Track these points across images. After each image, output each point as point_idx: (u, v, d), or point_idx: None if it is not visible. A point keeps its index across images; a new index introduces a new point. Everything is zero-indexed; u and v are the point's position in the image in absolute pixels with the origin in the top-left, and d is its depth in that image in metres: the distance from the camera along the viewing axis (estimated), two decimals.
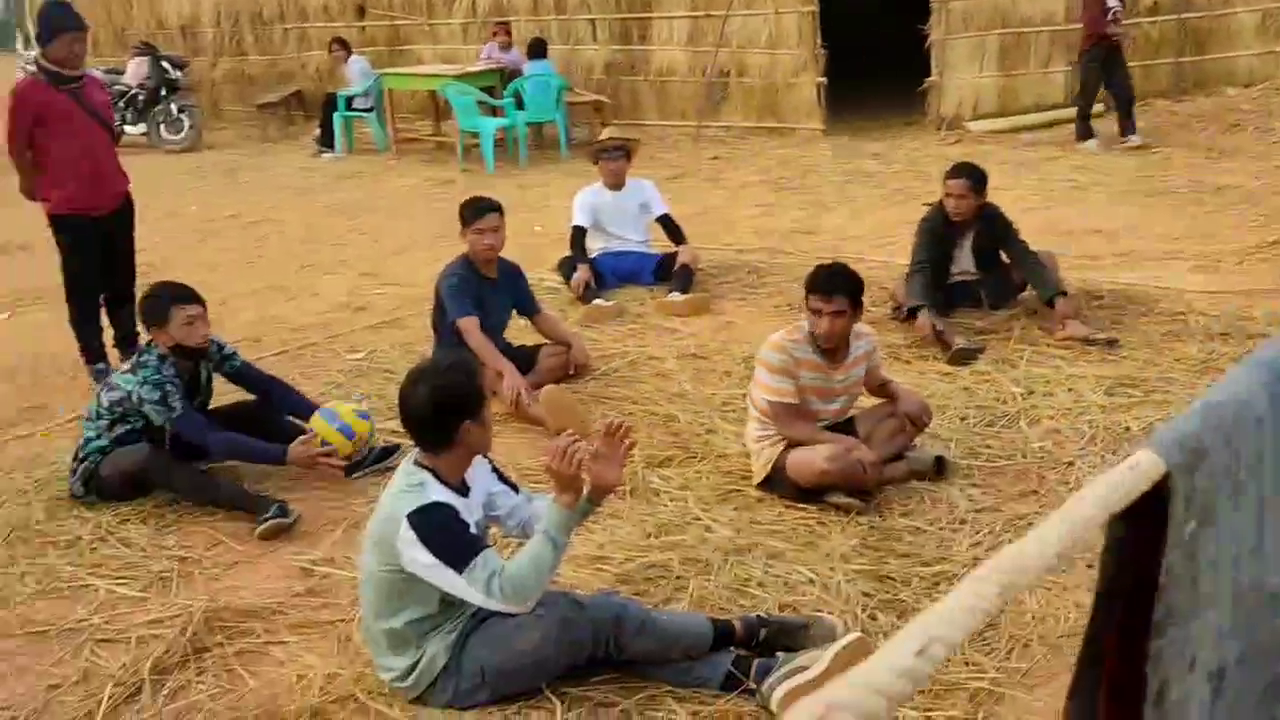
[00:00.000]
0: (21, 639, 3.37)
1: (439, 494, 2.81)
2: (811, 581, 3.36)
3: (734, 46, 12.39)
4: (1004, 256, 5.75)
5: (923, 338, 5.29)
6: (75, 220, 5.29)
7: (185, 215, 9.83)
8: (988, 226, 5.67)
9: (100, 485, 4.15)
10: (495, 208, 5.13)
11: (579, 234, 6.63)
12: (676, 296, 6.25)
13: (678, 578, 3.44)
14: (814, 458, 3.74)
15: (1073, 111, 11.28)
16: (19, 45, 21.45)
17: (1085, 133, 10.05)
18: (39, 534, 4.00)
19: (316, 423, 4.26)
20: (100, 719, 2.94)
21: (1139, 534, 0.62)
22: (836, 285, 3.82)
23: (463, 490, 2.92)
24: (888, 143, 11.38)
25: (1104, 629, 0.65)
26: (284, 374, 5.50)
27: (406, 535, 2.71)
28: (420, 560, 2.71)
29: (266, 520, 3.88)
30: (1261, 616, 0.68)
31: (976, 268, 5.76)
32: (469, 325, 4.96)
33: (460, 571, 2.69)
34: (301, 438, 4.18)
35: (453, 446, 2.86)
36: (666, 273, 6.58)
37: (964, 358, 5.11)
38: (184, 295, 4.24)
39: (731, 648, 2.95)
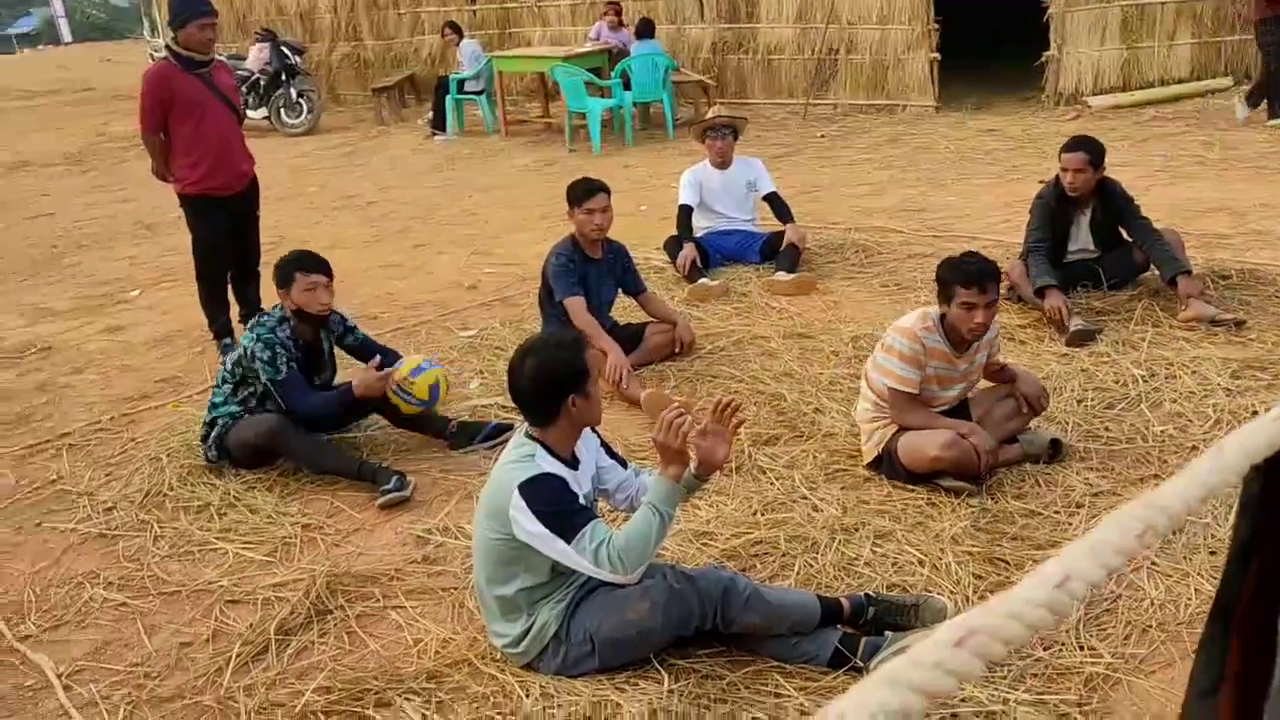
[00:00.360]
0: (156, 598, 3.56)
1: (549, 465, 2.87)
2: (920, 562, 3.33)
3: (844, 23, 12.21)
4: (1124, 234, 5.56)
5: (1050, 320, 5.15)
6: (205, 200, 5.52)
7: (305, 196, 10.15)
8: (1106, 203, 5.49)
9: (229, 452, 4.35)
10: (604, 188, 5.18)
11: (685, 213, 6.64)
12: (783, 275, 6.22)
13: (784, 555, 3.45)
14: (927, 444, 3.69)
15: (1199, 85, 10.83)
16: (146, 32, 22.39)
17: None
18: (172, 499, 4.21)
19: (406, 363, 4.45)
20: (229, 676, 3.09)
21: (1275, 494, 0.61)
22: (989, 275, 3.71)
23: (572, 463, 2.98)
24: (1003, 119, 11.08)
25: (1234, 599, 0.64)
26: (401, 350, 5.68)
27: (518, 504, 2.78)
28: (530, 529, 2.77)
29: (387, 492, 4.01)
30: None
31: (1095, 245, 5.59)
32: (575, 305, 5.03)
33: (569, 541, 2.74)
34: (365, 365, 4.39)
35: (559, 420, 2.91)
36: (773, 251, 6.55)
37: (1082, 339, 4.97)
38: (309, 263, 4.43)
39: (839, 625, 2.95)
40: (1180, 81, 11.01)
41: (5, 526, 4.13)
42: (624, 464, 3.24)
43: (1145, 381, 4.51)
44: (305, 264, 4.40)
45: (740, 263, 6.71)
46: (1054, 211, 5.47)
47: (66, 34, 36.71)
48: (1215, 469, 0.55)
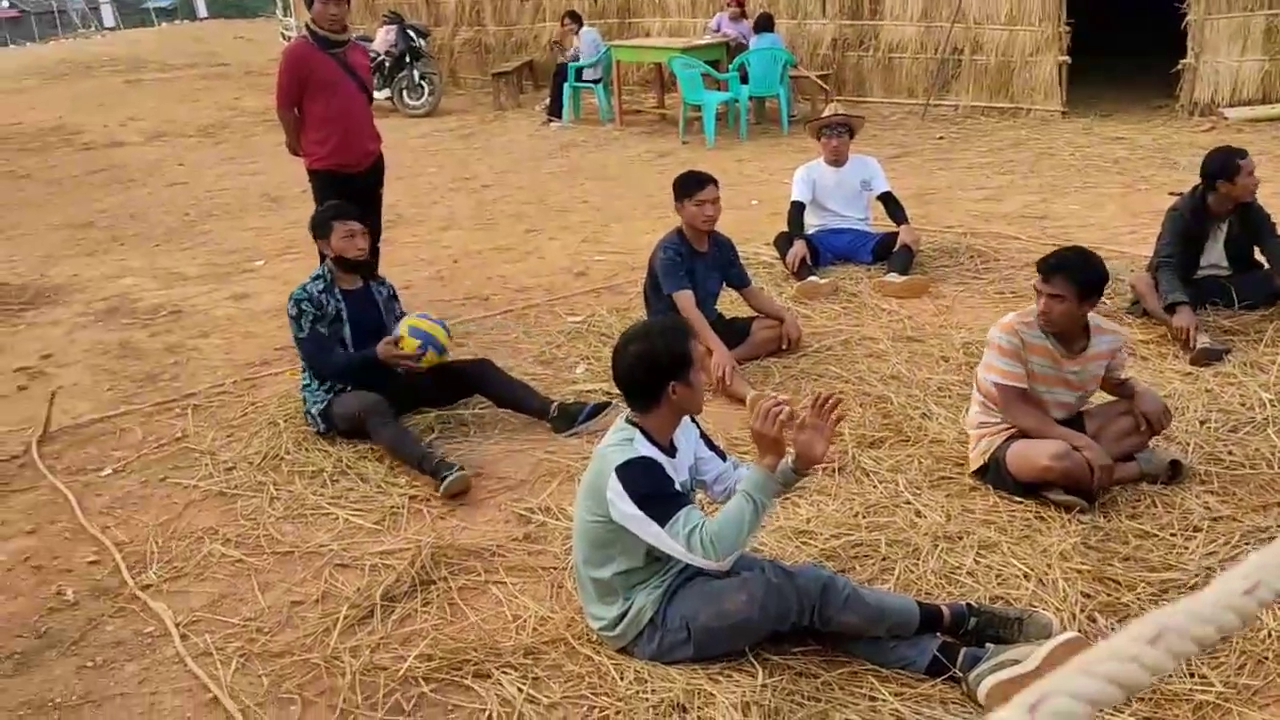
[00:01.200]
0: (270, 557, 3.70)
1: (646, 450, 2.90)
2: (1026, 576, 3.26)
3: (970, 22, 11.95)
4: (1259, 255, 5.35)
5: (1176, 337, 4.99)
6: (332, 176, 5.69)
7: (424, 176, 10.38)
8: (1244, 219, 5.28)
9: (332, 424, 4.50)
10: (713, 179, 5.20)
11: (797, 210, 6.60)
12: (894, 277, 6.14)
13: (884, 559, 3.42)
14: (1038, 453, 3.61)
15: None
16: (279, 11, 23.12)
17: None
18: (288, 463, 4.37)
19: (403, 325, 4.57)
20: (336, 636, 3.20)
21: None
22: (1057, 267, 3.65)
23: (670, 451, 3.00)
24: (1133, 127, 10.71)
25: None
26: (508, 332, 5.80)
27: (615, 487, 2.82)
28: (626, 511, 2.80)
29: (447, 478, 3.99)
30: None
31: (1228, 264, 5.39)
32: (684, 299, 5.06)
33: (663, 525, 2.77)
34: (388, 338, 4.50)
35: (660, 406, 2.94)
36: (885, 252, 6.46)
37: (1208, 358, 4.80)
38: (345, 212, 4.65)
39: (938, 633, 2.92)
40: None
41: (133, 480, 4.34)
42: (723, 456, 3.26)
43: (1273, 406, 4.33)
44: (341, 213, 4.63)
45: (851, 262, 6.64)
46: (1188, 225, 5.29)
47: (203, 9, 38.18)
48: None
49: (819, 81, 12.57)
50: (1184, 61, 10.93)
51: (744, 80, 11.50)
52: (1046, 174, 9.02)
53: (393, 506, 3.98)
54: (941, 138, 10.99)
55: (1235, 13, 10.64)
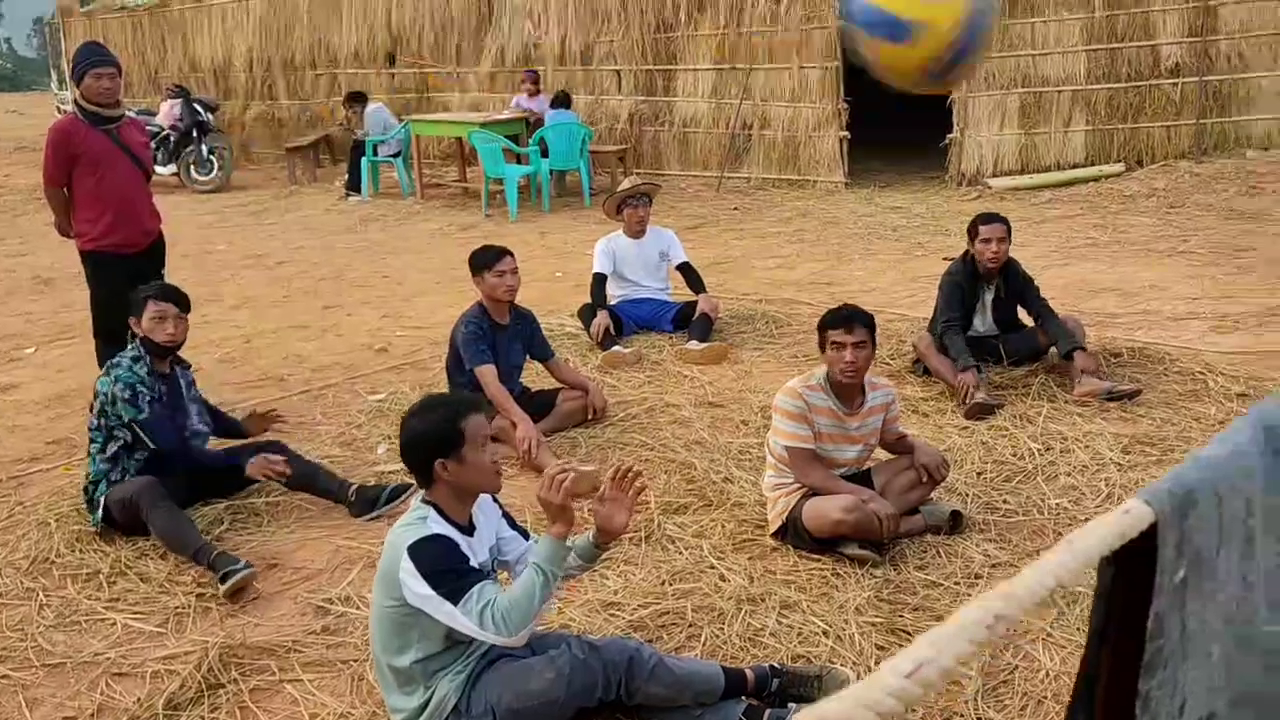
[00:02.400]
0: (39, 670, 3.40)
1: (440, 528, 2.82)
2: (825, 633, 3.36)
3: (757, 100, 12.56)
4: (1023, 315, 5.78)
5: (959, 393, 5.28)
6: (106, 257, 5.39)
7: (214, 254, 9.98)
8: (1009, 281, 5.70)
9: (110, 517, 4.20)
10: (510, 252, 5.24)
11: (599, 281, 6.71)
12: (695, 345, 6.30)
13: (690, 625, 3.45)
14: (830, 507, 3.75)
15: (1093, 170, 11.36)
16: (53, 85, 21.95)
17: None
18: (59, 566, 4.03)
19: None
20: None
21: (1132, 579, 0.65)
22: (853, 316, 3.89)
23: (468, 529, 2.94)
24: (909, 197, 11.46)
25: (1096, 671, 0.68)
26: (306, 414, 5.60)
27: (407, 567, 2.73)
28: (419, 592, 2.72)
29: (230, 578, 3.76)
30: (1253, 665, 0.70)
31: (996, 324, 5.79)
32: (486, 374, 5.03)
33: (456, 603, 2.69)
34: (263, 454, 4.32)
35: (438, 485, 2.89)
36: (685, 321, 6.64)
37: (981, 412, 5.12)
38: (162, 293, 4.45)
39: (743, 697, 2.95)
40: (1075, 166, 11.54)
41: None
42: (526, 535, 3.22)
43: (1041, 455, 4.65)
44: (159, 293, 4.43)
45: (653, 331, 6.78)
46: (964, 289, 5.65)
47: None
48: (1064, 562, 0.58)
49: (618, 155, 12.91)
50: (951, 136, 11.81)
51: (544, 154, 11.67)
52: (832, 242, 9.51)
53: (177, 607, 3.73)
54: (736, 208, 11.44)
55: (994, 91, 11.61)
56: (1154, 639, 0.61)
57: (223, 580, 3.76)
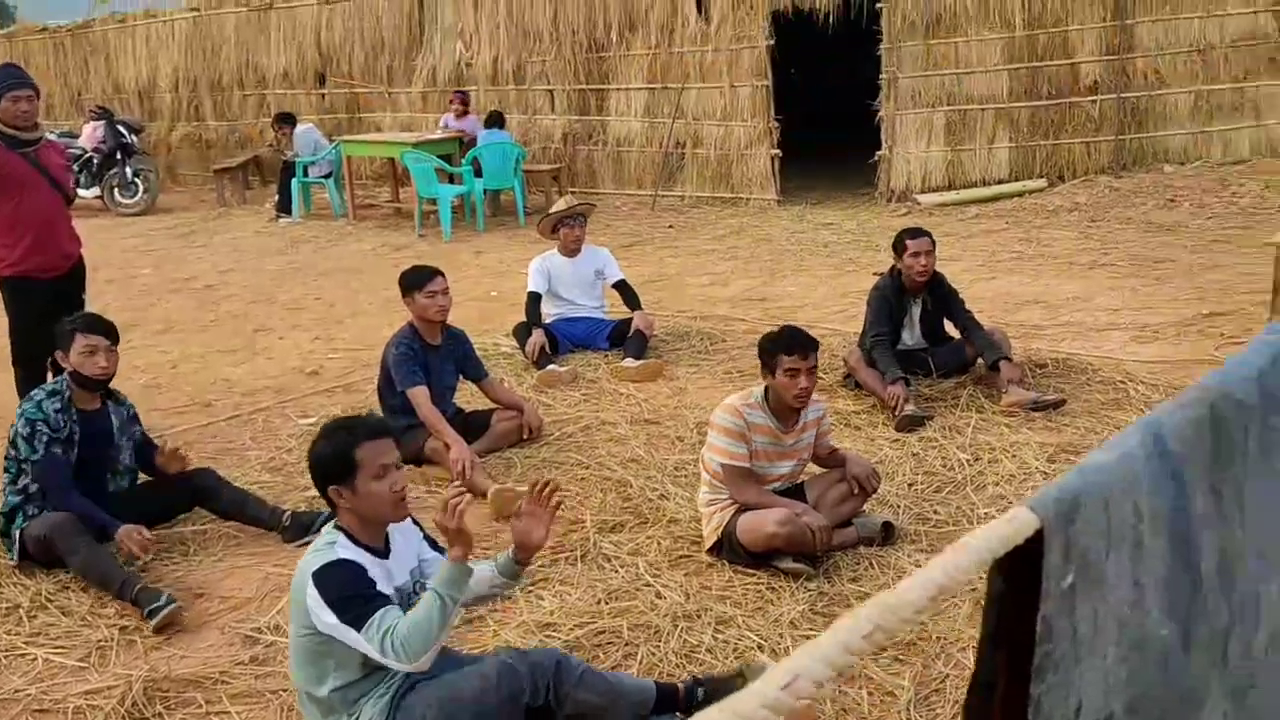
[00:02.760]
0: None
1: (347, 552, 2.77)
2: (760, 647, 3.37)
3: (690, 118, 12.65)
4: (950, 329, 5.89)
5: (890, 406, 5.34)
6: (25, 282, 5.25)
7: (139, 278, 9.77)
8: (935, 294, 5.80)
9: (28, 552, 4.08)
10: (440, 272, 5.21)
11: (534, 300, 6.69)
12: (630, 362, 6.31)
13: (627, 644, 3.44)
14: (764, 521, 3.78)
15: (1017, 186, 11.62)
16: None
17: None
18: None
19: None
20: None
21: (1022, 585, 0.66)
22: (810, 343, 3.94)
23: (383, 552, 2.89)
24: (840, 213, 11.61)
25: (991, 677, 0.69)
26: (235, 440, 5.50)
27: (313, 594, 2.69)
28: (326, 620, 2.68)
29: (155, 614, 3.68)
30: (1149, 666, 0.72)
31: (924, 337, 5.89)
32: (419, 395, 4.99)
33: (359, 629, 2.65)
34: (134, 529, 4.02)
35: (339, 510, 2.85)
36: (621, 338, 6.65)
37: (911, 424, 5.20)
38: (91, 325, 4.29)
39: (676, 711, 2.95)
40: (1000, 182, 11.79)
41: None
42: (444, 552, 3.15)
43: (970, 465, 4.73)
44: (87, 325, 4.28)
45: (589, 349, 6.77)
46: (892, 304, 5.74)
47: None
48: (946, 570, 0.59)
49: (552, 174, 12.92)
50: (880, 153, 12.00)
51: (478, 174, 11.63)
52: (765, 259, 9.60)
53: (100, 640, 3.63)
54: (670, 226, 11.50)
55: (920, 109, 11.83)
56: (1043, 643, 0.63)
57: (149, 617, 3.68)
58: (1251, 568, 0.90)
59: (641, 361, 6.33)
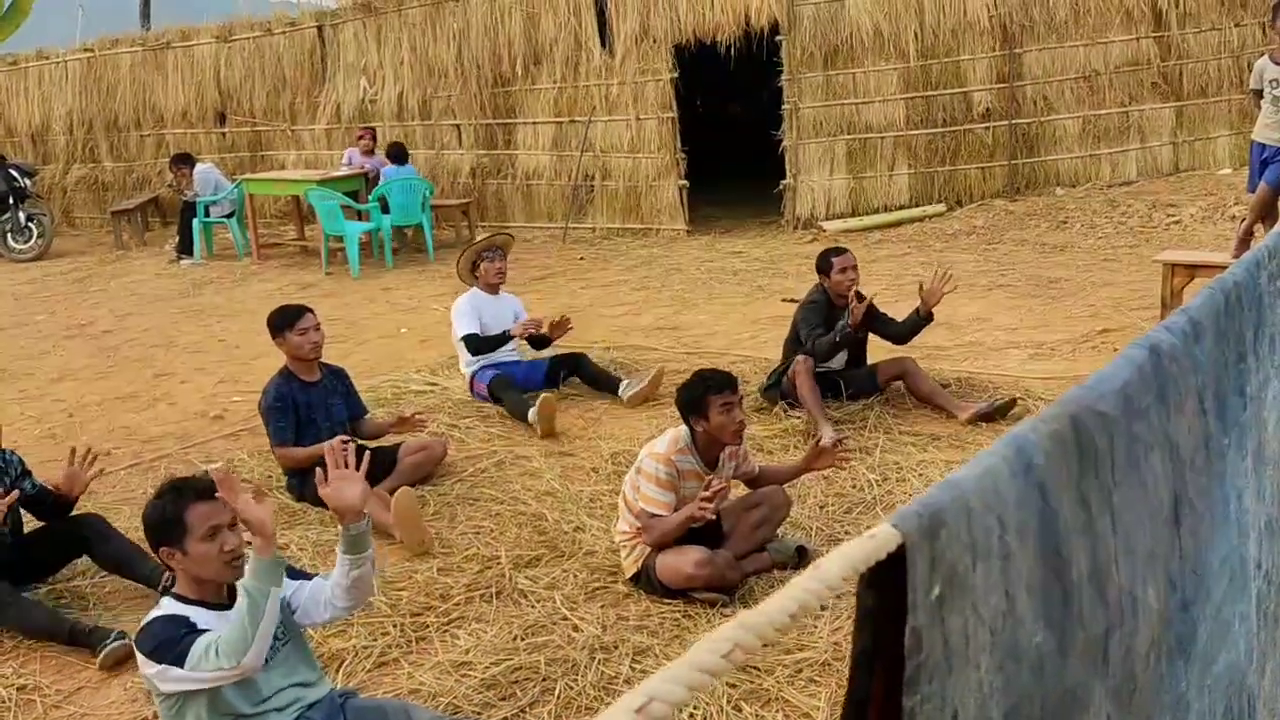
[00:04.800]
0: None
1: (173, 609, 2.73)
2: None
3: (598, 151, 12.74)
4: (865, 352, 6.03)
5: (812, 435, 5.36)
6: None
7: (32, 325, 9.44)
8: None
9: None
10: (309, 308, 5.15)
11: (475, 339, 6.43)
12: (632, 383, 6.31)
13: (544, 679, 3.42)
14: (683, 562, 3.80)
15: (917, 211, 11.93)
16: None
17: None
18: None
19: None
20: None
21: (894, 600, 0.68)
22: (732, 377, 4.00)
23: (223, 605, 2.80)
24: (749, 242, 11.78)
25: (866, 693, 0.71)
26: (135, 489, 5.32)
27: (139, 659, 2.67)
28: (150, 672, 2.64)
29: (105, 648, 3.66)
30: (1024, 674, 0.75)
31: (843, 360, 5.99)
32: (289, 456, 4.90)
33: (183, 664, 2.58)
34: None
35: (174, 571, 2.81)
36: (555, 378, 6.56)
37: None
38: None
39: None
40: (901, 207, 12.09)
41: None
42: (309, 576, 3.08)
43: (879, 486, 4.82)
44: None
45: (529, 389, 6.66)
46: (825, 313, 5.82)
47: None
48: (808, 588, 0.61)
49: (461, 209, 12.87)
50: (785, 182, 12.22)
51: (385, 210, 11.53)
52: (677, 288, 9.68)
53: None
54: (582, 258, 11.53)
55: (822, 138, 12.09)
56: (913, 655, 0.64)
57: (99, 652, 3.65)
58: (1125, 573, 0.94)
59: (643, 383, 6.26)
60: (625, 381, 6.35)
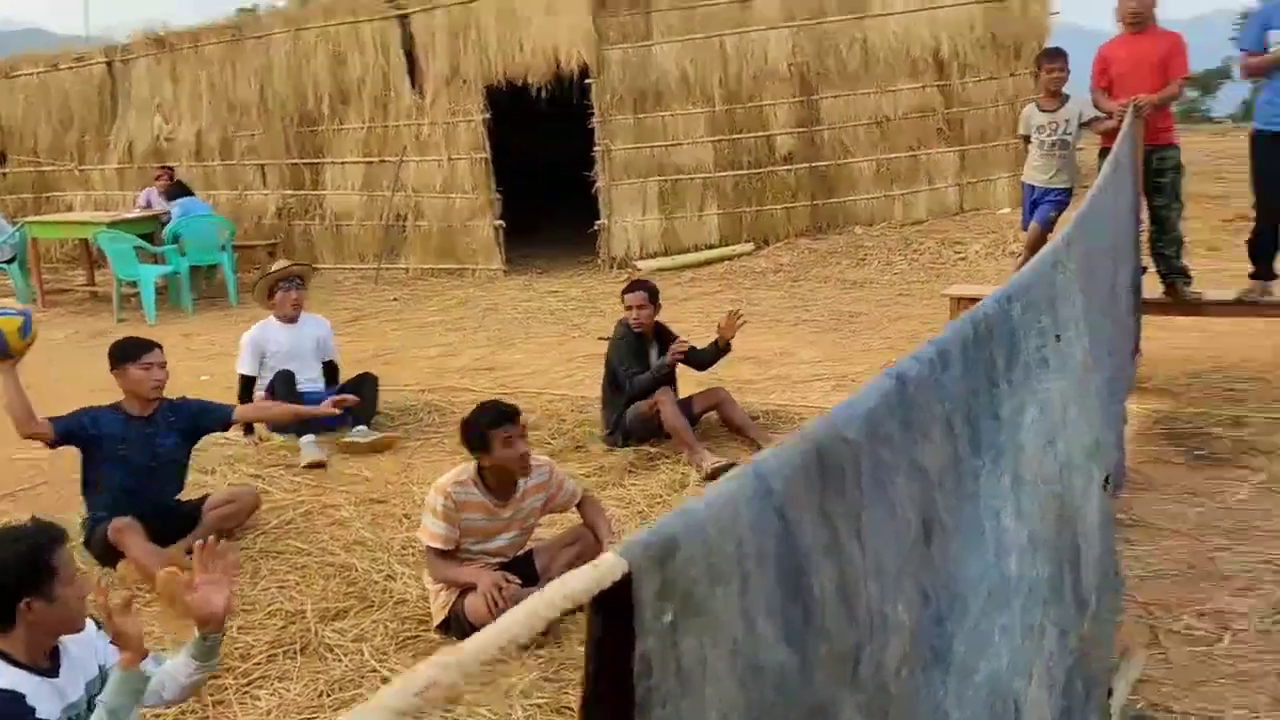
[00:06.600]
0: None
1: (4, 679, 2.51)
2: None
3: (410, 191, 12.59)
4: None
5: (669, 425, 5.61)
6: None
7: None
8: (664, 340, 6.07)
9: None
10: (157, 344, 4.90)
11: (246, 386, 6.29)
12: (362, 433, 6.13)
13: None
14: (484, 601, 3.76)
15: (727, 250, 12.30)
16: None
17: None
18: None
19: None
20: None
21: (622, 626, 0.70)
22: (513, 409, 3.96)
23: (48, 670, 2.62)
24: (565, 281, 11.85)
25: (598, 715, 0.72)
26: None
27: None
28: None
29: None
30: (765, 691, 0.78)
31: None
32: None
33: None
34: None
35: (17, 627, 2.56)
36: (347, 412, 6.40)
37: (720, 471, 5.29)
38: None
39: None
40: (711, 247, 12.44)
41: None
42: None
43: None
44: None
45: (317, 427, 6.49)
46: (633, 346, 5.94)
47: None
48: (518, 619, 0.62)
49: (268, 250, 12.46)
50: (600, 223, 12.38)
51: (183, 252, 11.02)
52: (493, 328, 9.63)
53: None
54: (395, 299, 11.33)
55: (634, 180, 12.33)
56: (643, 679, 0.66)
57: None
58: (873, 590, 0.99)
59: (374, 435, 6.14)
60: (363, 428, 6.20)
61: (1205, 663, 3.36)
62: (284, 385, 6.23)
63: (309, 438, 6.01)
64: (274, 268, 7.01)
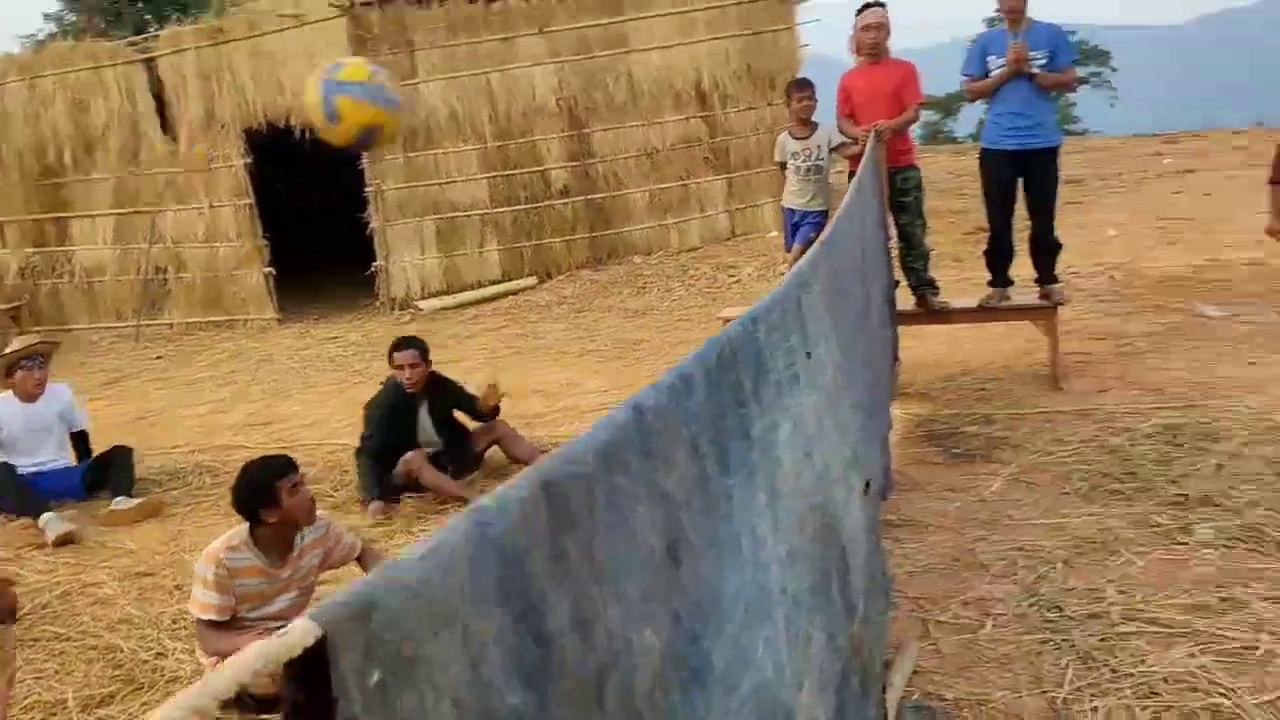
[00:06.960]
0: None
1: None
2: None
3: (170, 242, 11.94)
4: (463, 424, 6.06)
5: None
6: None
7: None
8: (439, 392, 5.96)
9: None
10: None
11: None
12: (123, 502, 5.74)
13: None
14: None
15: (510, 285, 12.29)
16: None
17: None
18: None
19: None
20: None
21: (313, 700, 0.68)
22: (292, 463, 3.81)
23: None
24: (344, 326, 11.52)
25: None
26: None
27: None
28: None
29: None
30: None
31: (438, 436, 5.98)
32: None
33: None
34: None
35: None
36: (100, 482, 5.99)
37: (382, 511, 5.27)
38: None
39: None
40: (494, 283, 12.40)
41: None
42: None
43: None
44: None
45: (66, 500, 6.03)
46: (394, 409, 5.79)
47: None
48: (202, 692, 0.60)
49: (10, 313, 11.50)
50: (377, 264, 12.12)
51: None
52: (268, 380, 9.24)
53: None
54: (159, 357, 10.70)
55: (409, 219, 12.15)
56: None
57: None
58: (614, 616, 1.00)
59: (137, 501, 5.76)
60: (122, 498, 5.88)
61: (971, 649, 3.58)
62: (4, 476, 5.83)
63: (47, 515, 5.57)
64: (12, 346, 6.49)
